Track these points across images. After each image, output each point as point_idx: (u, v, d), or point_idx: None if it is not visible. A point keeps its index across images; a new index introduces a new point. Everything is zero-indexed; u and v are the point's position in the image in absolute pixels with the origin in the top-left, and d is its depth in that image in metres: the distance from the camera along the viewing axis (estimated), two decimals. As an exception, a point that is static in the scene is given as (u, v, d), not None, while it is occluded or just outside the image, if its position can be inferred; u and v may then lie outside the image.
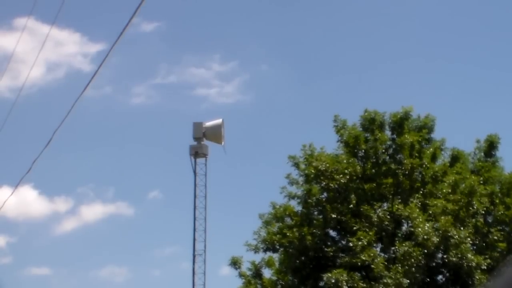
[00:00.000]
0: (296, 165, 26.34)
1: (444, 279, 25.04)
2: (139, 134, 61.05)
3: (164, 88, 60.51)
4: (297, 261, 25.41)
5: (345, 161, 25.76)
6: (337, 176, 25.35)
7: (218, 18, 62.09)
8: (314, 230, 25.12)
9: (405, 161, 25.41)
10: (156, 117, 61.53)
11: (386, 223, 24.71)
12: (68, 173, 60.92)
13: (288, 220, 26.20)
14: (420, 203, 24.89)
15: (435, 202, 24.40)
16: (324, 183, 25.48)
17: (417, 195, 25.43)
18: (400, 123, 26.08)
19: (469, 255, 23.46)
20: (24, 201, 55.87)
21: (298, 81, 59.31)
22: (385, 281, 22.93)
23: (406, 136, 25.65)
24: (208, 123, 31.74)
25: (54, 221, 64.21)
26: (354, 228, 24.35)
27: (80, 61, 58.80)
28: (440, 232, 23.53)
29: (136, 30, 53.81)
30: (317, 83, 59.35)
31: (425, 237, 23.33)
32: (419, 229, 23.41)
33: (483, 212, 25.19)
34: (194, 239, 30.27)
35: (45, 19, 49.57)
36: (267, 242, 25.71)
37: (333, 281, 23.13)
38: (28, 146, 50.63)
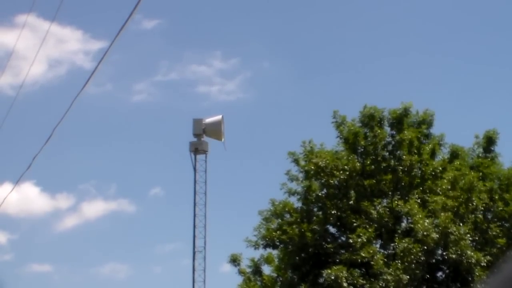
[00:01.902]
0: (296, 161, 26.35)
1: (443, 275, 25.06)
2: (140, 131, 61.13)
3: (165, 86, 60.59)
4: (297, 258, 25.42)
5: (344, 157, 25.79)
6: (337, 173, 25.36)
7: (219, 15, 62.13)
8: (314, 227, 25.13)
9: (405, 157, 25.43)
10: (157, 115, 61.61)
11: (386, 219, 24.74)
12: (70, 170, 61.06)
13: (287, 217, 26.21)
14: (419, 200, 24.91)
15: (435, 198, 24.41)
16: (324, 179, 25.50)
17: (416, 191, 25.45)
18: (399, 119, 26.11)
19: (469, 252, 23.47)
20: (26, 198, 56.02)
21: (299, 78, 59.39)
22: (384, 277, 22.96)
23: (405, 132, 25.68)
24: (208, 120, 31.73)
25: (56, 218, 64.25)
26: (354, 224, 24.37)
27: (82, 58, 58.88)
28: (440, 228, 23.55)
29: (137, 27, 53.89)
30: (317, 79, 59.43)
31: (425, 233, 23.34)
32: (419, 225, 23.43)
33: (483, 208, 25.20)
34: (194, 236, 30.30)
35: (48, 16, 49.67)
36: (267, 239, 25.72)
37: (332, 277, 23.15)
38: (30, 143, 50.75)
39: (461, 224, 24.18)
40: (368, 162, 25.82)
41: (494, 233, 24.83)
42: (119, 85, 62.15)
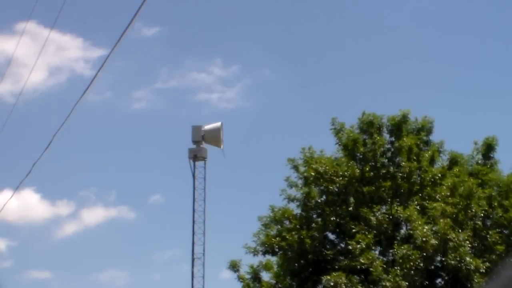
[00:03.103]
0: (296, 168, 26.38)
1: (442, 282, 25.06)
2: (140, 138, 61.16)
3: (165, 93, 60.62)
4: (296, 264, 25.42)
5: (344, 164, 25.82)
6: (336, 179, 25.39)
7: (220, 22, 62.17)
8: (313, 233, 25.15)
9: (404, 164, 25.46)
10: (157, 122, 61.64)
11: (385, 226, 24.76)
12: (70, 177, 61.06)
13: (287, 223, 26.22)
14: (418, 206, 24.94)
15: (434, 205, 24.44)
16: (323, 186, 25.53)
17: (415, 198, 25.48)
18: (398, 126, 26.14)
19: (468, 258, 23.49)
20: (26, 204, 55.98)
21: (298, 85, 59.43)
22: (383, 284, 22.96)
23: (404, 139, 25.71)
24: (207, 127, 31.73)
25: (55, 225, 64.19)
26: (353, 231, 24.39)
27: (82, 66, 58.83)
28: (439, 235, 23.57)
29: (137, 34, 53.91)
30: (317, 87, 59.48)
31: (424, 240, 23.36)
32: (418, 232, 23.45)
33: (482, 215, 25.23)
34: (193, 243, 30.29)
35: (48, 23, 49.76)
36: (266, 245, 25.73)
37: (332, 284, 23.16)
38: (30, 150, 50.75)
39: (460, 231, 24.19)
40: (367, 168, 25.85)
41: (493, 239, 24.86)
42: (119, 92, 62.20)
